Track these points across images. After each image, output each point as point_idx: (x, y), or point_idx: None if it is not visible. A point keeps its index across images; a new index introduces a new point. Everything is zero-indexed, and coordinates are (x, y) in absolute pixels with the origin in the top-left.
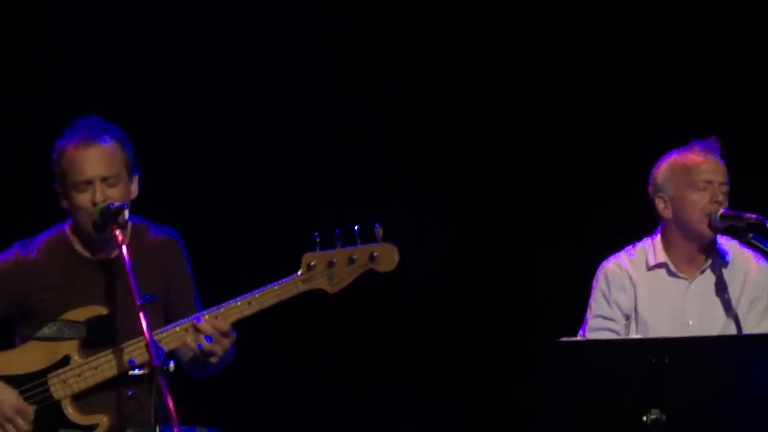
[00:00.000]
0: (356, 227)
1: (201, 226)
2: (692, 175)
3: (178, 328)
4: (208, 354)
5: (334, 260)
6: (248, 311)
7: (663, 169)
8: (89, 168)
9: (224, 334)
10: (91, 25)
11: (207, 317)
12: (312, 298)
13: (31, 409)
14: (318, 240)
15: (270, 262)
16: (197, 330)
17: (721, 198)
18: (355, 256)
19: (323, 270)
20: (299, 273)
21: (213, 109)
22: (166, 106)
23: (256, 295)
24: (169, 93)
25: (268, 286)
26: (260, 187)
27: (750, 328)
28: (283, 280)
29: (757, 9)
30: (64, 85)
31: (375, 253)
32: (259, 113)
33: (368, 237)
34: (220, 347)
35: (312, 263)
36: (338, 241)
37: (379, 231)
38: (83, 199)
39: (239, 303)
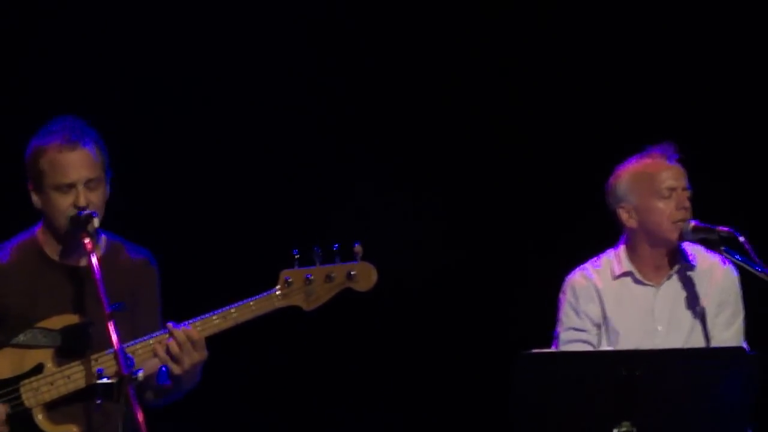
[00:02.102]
0: (335, 246)
1: (180, 240)
2: (655, 182)
3: (152, 341)
4: (174, 360)
5: (312, 277)
6: (224, 325)
7: (623, 179)
8: (73, 171)
9: (194, 344)
10: (57, 23)
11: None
12: (288, 312)
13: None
14: (297, 257)
15: (248, 279)
16: (170, 334)
17: (687, 204)
18: (332, 274)
19: (300, 287)
20: (276, 289)
21: (195, 121)
22: (145, 116)
23: (233, 310)
24: (146, 102)
25: (244, 301)
26: (240, 203)
27: (718, 333)
28: (259, 296)
29: (711, 16)
30: (27, 83)
31: (353, 272)
32: (242, 126)
33: (348, 256)
34: (188, 358)
35: (289, 279)
36: (317, 259)
37: (358, 250)
38: (64, 201)
39: (215, 317)
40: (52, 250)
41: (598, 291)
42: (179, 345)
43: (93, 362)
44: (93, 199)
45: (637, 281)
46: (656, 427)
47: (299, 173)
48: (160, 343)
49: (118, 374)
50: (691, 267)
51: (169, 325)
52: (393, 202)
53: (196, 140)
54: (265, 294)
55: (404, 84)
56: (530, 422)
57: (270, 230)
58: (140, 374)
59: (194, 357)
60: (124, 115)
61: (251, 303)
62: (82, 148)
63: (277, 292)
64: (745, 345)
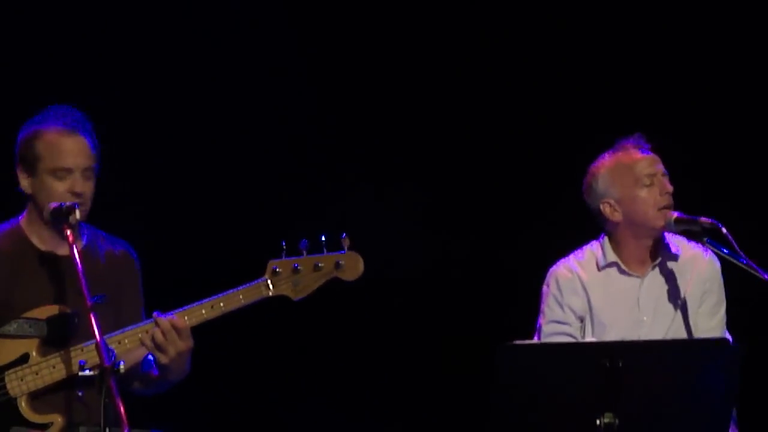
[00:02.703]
0: (323, 236)
1: (168, 230)
2: (634, 172)
3: (138, 330)
4: (160, 349)
5: (299, 267)
6: (211, 314)
7: (602, 174)
8: (72, 157)
9: (180, 333)
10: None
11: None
12: (274, 303)
13: None
14: (285, 247)
15: (236, 268)
16: (155, 323)
17: (669, 188)
18: (320, 264)
19: (288, 276)
20: (264, 278)
21: (183, 112)
22: (133, 108)
23: (220, 299)
24: (133, 94)
25: (231, 291)
26: (228, 193)
27: (702, 323)
28: (247, 285)
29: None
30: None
31: (340, 261)
32: (230, 118)
33: (335, 246)
34: (173, 347)
35: (277, 269)
36: (305, 249)
37: (345, 240)
38: (60, 186)
39: (202, 306)
40: (37, 239)
41: (582, 283)
42: (164, 334)
43: (78, 352)
44: (86, 189)
45: (622, 272)
46: (639, 418)
47: (287, 163)
48: (146, 332)
49: (99, 366)
50: (675, 257)
51: (155, 314)
52: (379, 193)
53: (184, 131)
54: (252, 283)
55: (392, 77)
56: (512, 413)
57: (258, 220)
58: (122, 366)
59: (179, 346)
60: (112, 107)
61: (239, 292)
62: (81, 136)
63: (265, 282)
64: (727, 335)
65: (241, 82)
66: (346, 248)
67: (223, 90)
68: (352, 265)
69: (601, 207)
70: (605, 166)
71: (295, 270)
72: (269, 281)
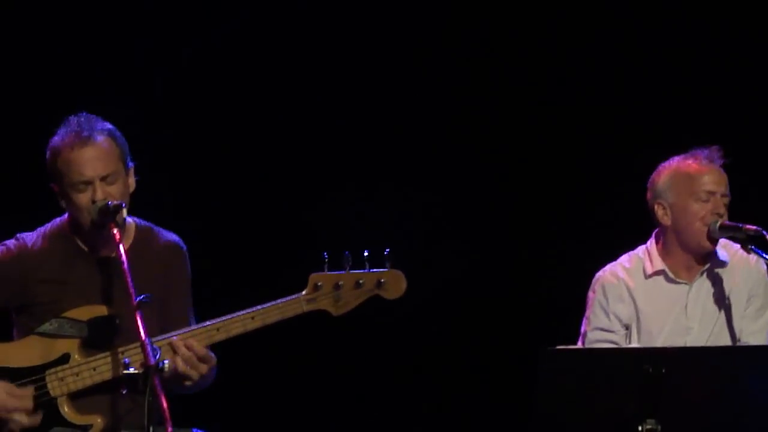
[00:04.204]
0: (366, 252)
1: (211, 241)
2: (695, 184)
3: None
4: (183, 377)
5: (341, 283)
6: (251, 326)
7: (664, 176)
8: (87, 168)
9: (201, 359)
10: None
11: (181, 338)
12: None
13: (27, 392)
14: (327, 260)
15: (278, 280)
16: (173, 350)
17: (722, 210)
18: (362, 281)
19: (329, 291)
20: (305, 292)
21: (227, 123)
22: (176, 114)
23: (260, 311)
24: (179, 104)
25: (272, 303)
26: (272, 204)
27: (746, 325)
28: (287, 298)
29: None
30: (57, 80)
31: (382, 280)
32: (276, 129)
33: (378, 262)
34: (195, 372)
35: (318, 283)
36: (347, 264)
37: (388, 256)
38: (83, 199)
39: (242, 317)
40: (83, 242)
41: (629, 290)
42: (186, 362)
43: (119, 355)
44: (112, 192)
45: (669, 280)
46: (681, 425)
47: (328, 177)
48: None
49: (143, 364)
50: (723, 264)
51: (173, 340)
52: (418, 201)
53: (229, 143)
54: (293, 297)
55: (431, 89)
56: (555, 419)
57: (299, 233)
58: (166, 364)
59: (201, 369)
60: (158, 115)
61: (279, 304)
62: (93, 143)
63: (306, 296)
64: None
65: (281, 96)
66: (388, 265)
67: (268, 102)
68: (394, 284)
69: (655, 206)
70: (671, 168)
71: (337, 286)
72: (310, 296)
